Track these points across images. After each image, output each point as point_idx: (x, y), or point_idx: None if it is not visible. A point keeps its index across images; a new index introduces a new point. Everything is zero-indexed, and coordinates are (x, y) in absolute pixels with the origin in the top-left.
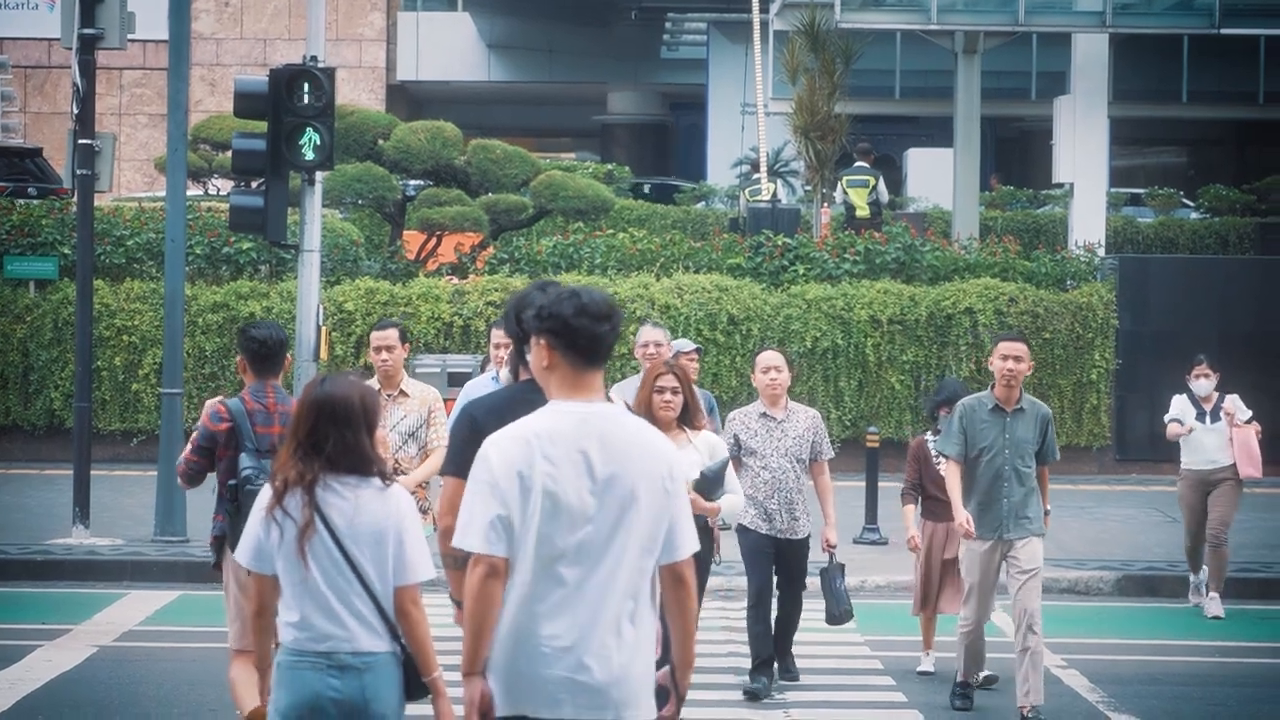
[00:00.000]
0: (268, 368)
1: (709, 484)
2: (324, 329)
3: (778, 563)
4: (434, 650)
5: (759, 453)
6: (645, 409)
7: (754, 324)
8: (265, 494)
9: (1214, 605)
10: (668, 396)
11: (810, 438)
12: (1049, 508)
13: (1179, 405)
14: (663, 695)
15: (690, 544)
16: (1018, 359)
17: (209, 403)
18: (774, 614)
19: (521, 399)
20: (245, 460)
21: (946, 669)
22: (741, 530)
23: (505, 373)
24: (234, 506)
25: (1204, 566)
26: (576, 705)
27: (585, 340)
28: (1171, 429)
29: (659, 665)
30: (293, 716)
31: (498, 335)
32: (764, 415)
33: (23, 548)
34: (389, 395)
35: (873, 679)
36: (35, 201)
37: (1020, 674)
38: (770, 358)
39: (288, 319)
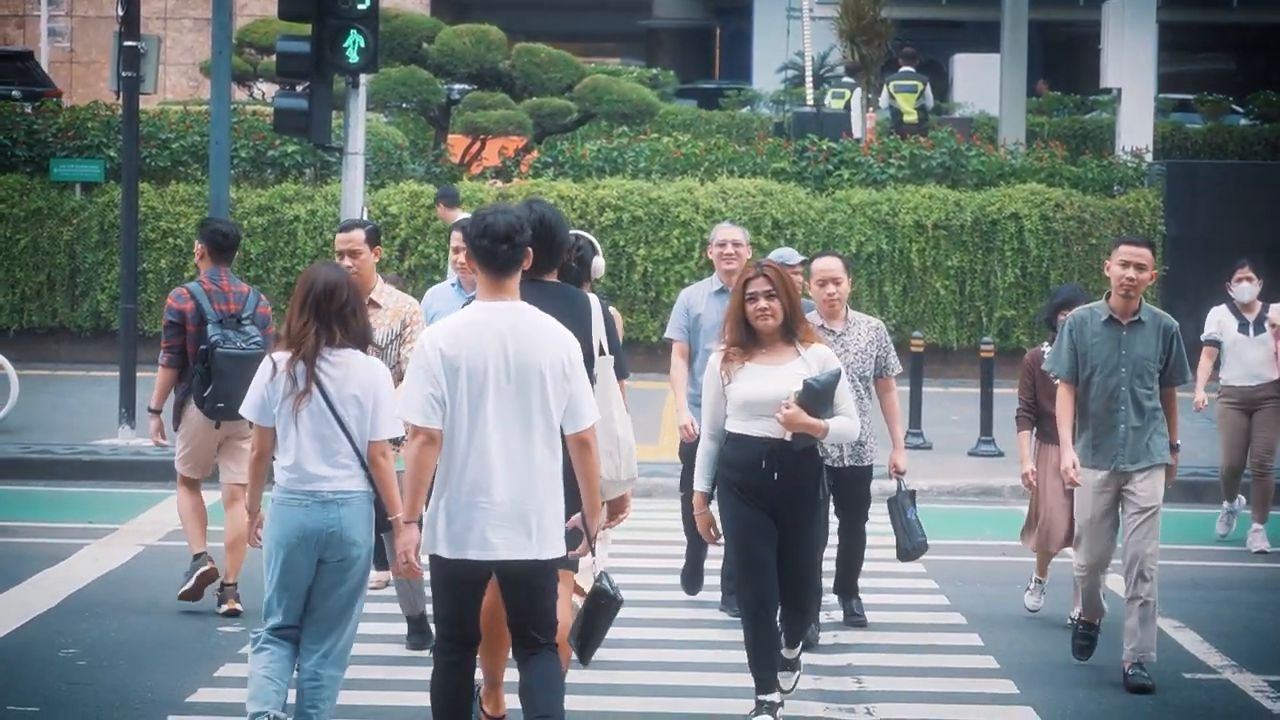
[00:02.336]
0: (224, 256)
1: (814, 397)
2: None
3: (836, 493)
4: (398, 494)
5: None
6: (738, 321)
7: (798, 228)
8: (269, 362)
9: (1259, 539)
10: (761, 304)
11: (874, 352)
12: (1178, 441)
13: (1217, 317)
14: (575, 537)
15: (590, 417)
16: (1140, 266)
17: (172, 291)
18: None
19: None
20: (212, 330)
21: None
22: None
23: (468, 278)
24: (204, 368)
25: (1238, 496)
26: (506, 546)
27: (485, 256)
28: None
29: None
30: (283, 543)
31: (456, 239)
32: (821, 328)
33: (70, 448)
34: None
35: (948, 625)
36: (21, 102)
37: (1128, 626)
38: (828, 266)
39: (332, 222)
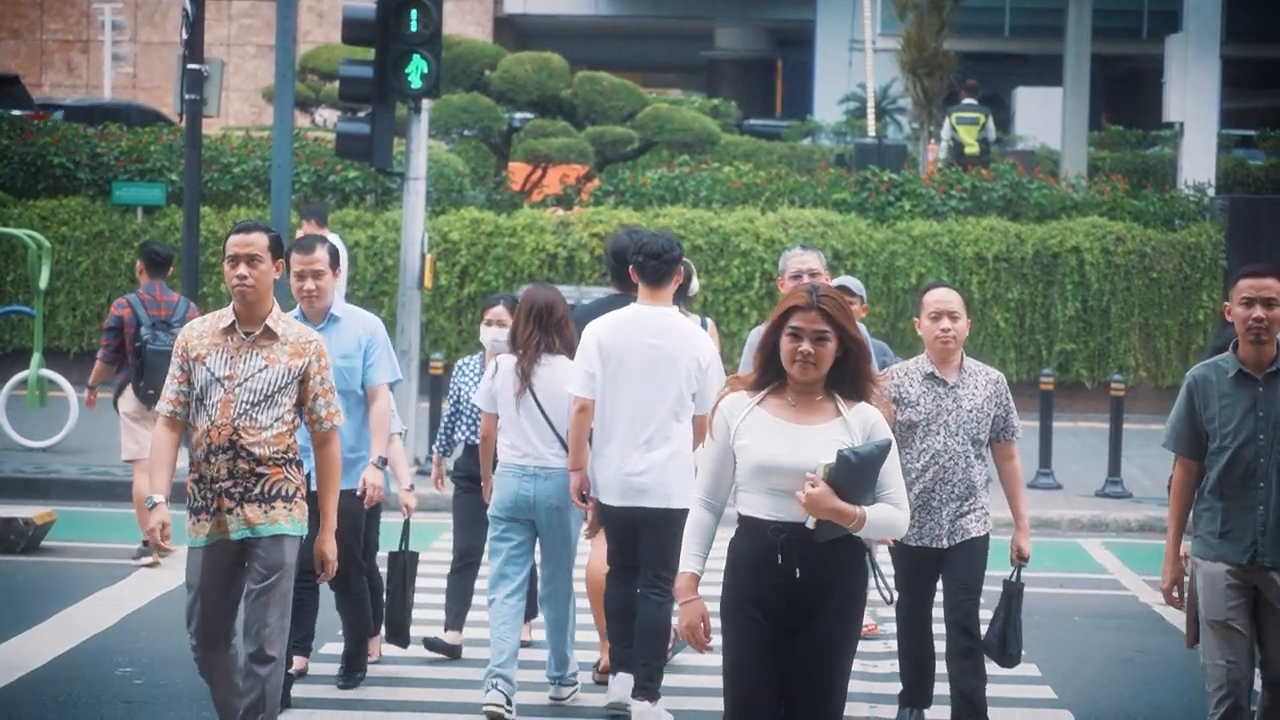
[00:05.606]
0: (159, 272)
1: (850, 474)
2: (429, 257)
3: (942, 572)
4: (581, 454)
5: (919, 428)
6: (769, 358)
7: (859, 259)
8: (492, 364)
9: None
10: (806, 346)
11: (991, 410)
12: None
13: None
14: None
15: (707, 405)
16: (1268, 301)
17: (115, 300)
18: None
19: (609, 304)
20: (144, 332)
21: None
22: None
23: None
24: (139, 362)
25: None
26: (636, 496)
27: (641, 270)
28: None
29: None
30: (504, 506)
31: (296, 262)
32: (930, 377)
33: (128, 469)
34: (245, 335)
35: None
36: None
37: None
38: (943, 298)
39: (392, 248)
